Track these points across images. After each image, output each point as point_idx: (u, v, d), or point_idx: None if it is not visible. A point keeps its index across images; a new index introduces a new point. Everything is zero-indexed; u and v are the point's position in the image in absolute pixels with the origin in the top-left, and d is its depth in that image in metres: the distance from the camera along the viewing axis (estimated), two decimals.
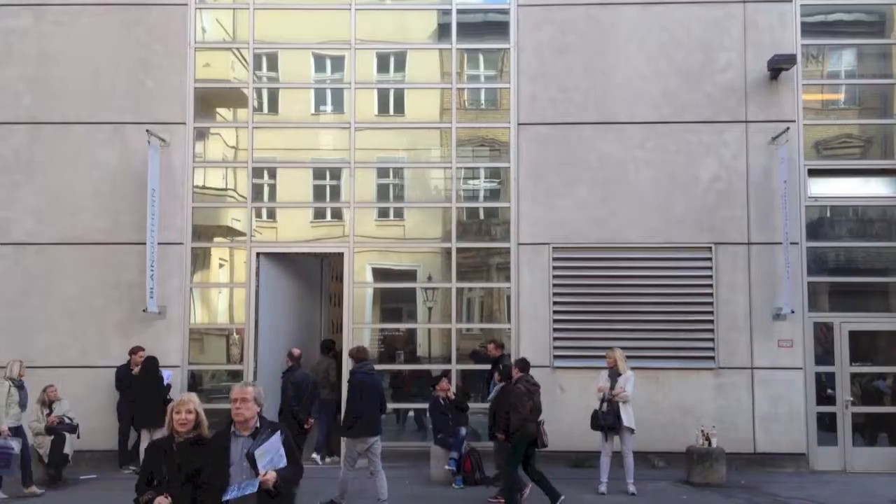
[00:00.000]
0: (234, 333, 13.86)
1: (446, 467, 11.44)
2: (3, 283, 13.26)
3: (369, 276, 13.89)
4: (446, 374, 12.76)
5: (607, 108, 13.48)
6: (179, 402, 5.91)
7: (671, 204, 13.32)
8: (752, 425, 12.96)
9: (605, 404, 11.09)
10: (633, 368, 11.53)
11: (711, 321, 13.15)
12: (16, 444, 10.62)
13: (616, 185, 13.38)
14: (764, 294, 13.11)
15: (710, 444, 11.76)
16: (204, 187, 13.96)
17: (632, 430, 11.06)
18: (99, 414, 12.56)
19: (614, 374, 11.20)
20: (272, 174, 14.14)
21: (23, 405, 11.14)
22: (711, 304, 13.18)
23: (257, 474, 5.23)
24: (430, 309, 13.87)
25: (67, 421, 11.72)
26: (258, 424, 5.51)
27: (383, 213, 14.07)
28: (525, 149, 13.48)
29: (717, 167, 13.34)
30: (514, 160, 13.51)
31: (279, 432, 5.47)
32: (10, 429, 10.75)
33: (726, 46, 13.51)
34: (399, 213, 14.12)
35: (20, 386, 11.11)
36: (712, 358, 13.10)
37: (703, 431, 11.86)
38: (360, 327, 13.66)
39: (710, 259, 13.23)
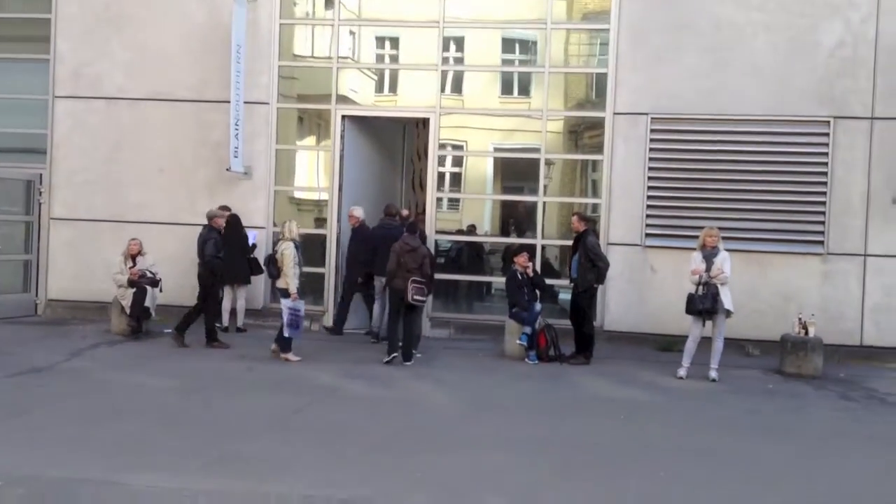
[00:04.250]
0: (319, 196, 13.68)
1: (517, 342, 11.02)
2: (98, 137, 13.40)
3: (459, 145, 13.37)
4: (527, 248, 12.15)
5: None
6: None
7: (789, 73, 12.06)
8: (860, 316, 11.98)
9: (701, 287, 10.28)
10: (732, 250, 10.68)
11: (823, 203, 12.03)
12: (302, 307, 10.65)
13: (729, 51, 12.19)
14: (886, 175, 11.87)
15: (807, 333, 10.88)
16: (291, 47, 13.58)
17: (728, 314, 10.29)
18: (187, 271, 12.56)
19: (710, 254, 10.34)
20: (360, 35, 13.59)
21: (301, 265, 10.85)
22: (825, 184, 12.02)
23: None
24: (545, 186, 13.15)
25: (150, 275, 11.89)
26: None
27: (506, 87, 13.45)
28: (627, 8, 12.40)
29: (842, 32, 11.94)
30: (614, 21, 12.45)
31: None
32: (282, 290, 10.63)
33: None
34: (511, 87, 13.40)
35: (297, 246, 10.94)
36: (821, 242, 12.05)
37: (800, 319, 10.97)
38: (442, 195, 13.26)
39: (826, 135, 11.99)
